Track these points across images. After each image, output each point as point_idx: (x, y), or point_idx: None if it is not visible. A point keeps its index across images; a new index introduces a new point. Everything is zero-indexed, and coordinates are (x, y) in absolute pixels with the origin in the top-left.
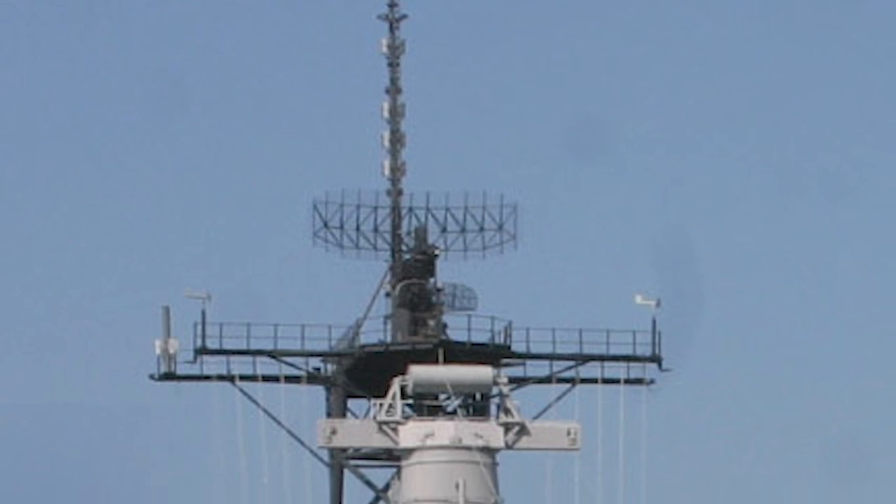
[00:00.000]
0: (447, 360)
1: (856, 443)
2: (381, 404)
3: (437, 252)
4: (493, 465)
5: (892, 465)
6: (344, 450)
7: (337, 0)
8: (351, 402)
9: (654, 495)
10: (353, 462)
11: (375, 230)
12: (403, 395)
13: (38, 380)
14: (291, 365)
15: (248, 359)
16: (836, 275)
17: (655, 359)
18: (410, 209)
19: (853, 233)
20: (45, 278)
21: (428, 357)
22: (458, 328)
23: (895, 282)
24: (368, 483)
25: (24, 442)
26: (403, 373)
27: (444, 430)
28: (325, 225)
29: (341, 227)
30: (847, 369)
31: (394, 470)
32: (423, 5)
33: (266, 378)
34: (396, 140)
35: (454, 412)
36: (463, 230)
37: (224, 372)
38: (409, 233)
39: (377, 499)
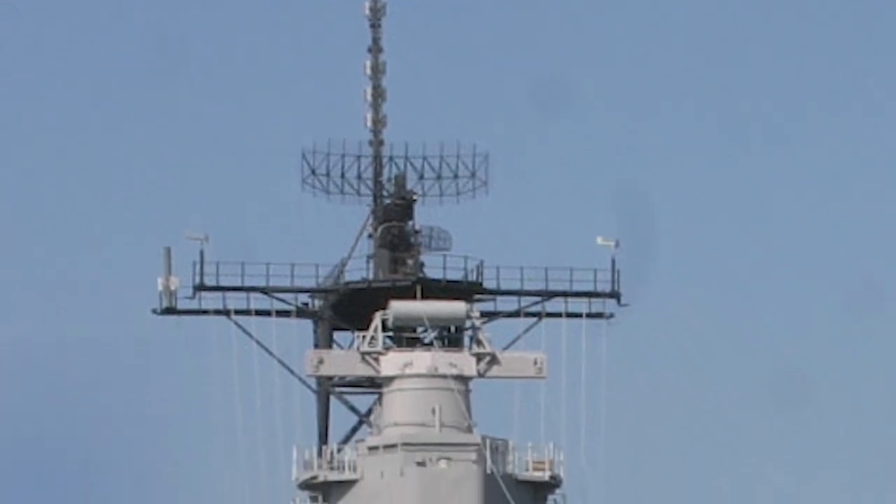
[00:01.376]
0: (424, 296)
1: (798, 372)
2: (363, 336)
3: (414, 197)
4: (467, 392)
5: (831, 392)
6: (330, 378)
7: None
8: (336, 335)
9: (614, 420)
10: (338, 389)
11: (359, 177)
12: (384, 328)
13: (50, 314)
14: (282, 300)
15: (243, 295)
16: (778, 215)
17: (614, 295)
18: (391, 158)
19: (792, 177)
20: (59, 223)
21: (407, 293)
22: (434, 267)
23: (831, 221)
24: (352, 408)
25: (36, 371)
26: (384, 307)
27: (421, 359)
28: (313, 172)
29: (327, 175)
30: (790, 304)
31: (376, 396)
32: None
33: (259, 312)
34: (378, 95)
35: (431, 343)
36: (439, 177)
37: (220, 307)
38: (389, 180)
39: (360, 423)
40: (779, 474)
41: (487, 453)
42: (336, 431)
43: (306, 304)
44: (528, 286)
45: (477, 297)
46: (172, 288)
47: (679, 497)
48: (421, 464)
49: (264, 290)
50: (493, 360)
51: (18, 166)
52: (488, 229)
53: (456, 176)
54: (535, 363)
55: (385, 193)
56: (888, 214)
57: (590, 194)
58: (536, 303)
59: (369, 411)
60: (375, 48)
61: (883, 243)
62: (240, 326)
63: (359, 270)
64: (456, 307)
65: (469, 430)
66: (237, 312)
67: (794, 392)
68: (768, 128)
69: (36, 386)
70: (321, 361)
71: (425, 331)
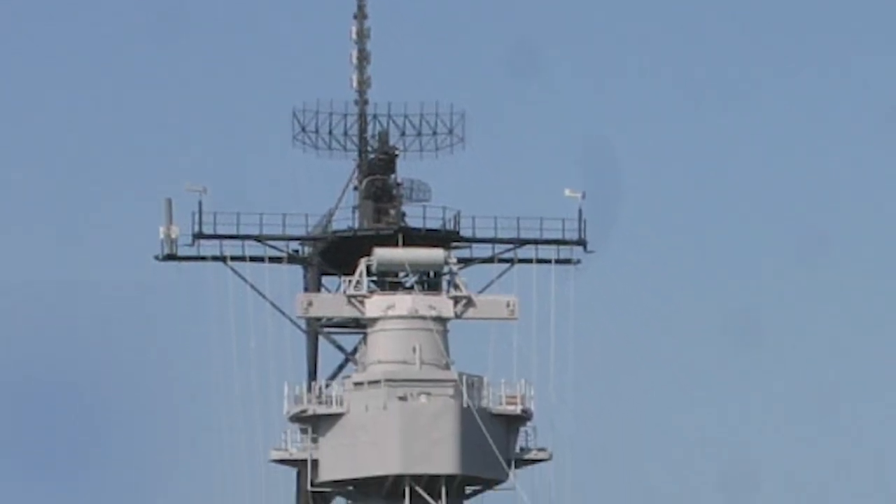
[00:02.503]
0: (405, 244)
1: (751, 314)
2: (349, 281)
3: (396, 152)
4: (445, 332)
5: (781, 332)
6: (318, 319)
7: None
8: (324, 279)
9: (581, 358)
10: (326, 329)
11: (345, 134)
12: (369, 273)
13: (61, 260)
14: (274, 247)
15: (238, 242)
16: (732, 168)
17: (581, 242)
18: (374, 116)
19: (745, 133)
20: (69, 176)
21: (389, 241)
22: (414, 216)
23: (782, 173)
24: (339, 347)
25: (47, 312)
26: (369, 254)
27: (403, 302)
28: (303, 130)
29: (316, 132)
30: (744, 250)
31: (361, 336)
32: None
33: (253, 259)
34: (363, 58)
35: (411, 287)
36: (419, 134)
37: (217, 254)
38: (373, 136)
39: (346, 361)
40: (734, 408)
41: (464, 389)
42: (324, 369)
43: (297, 251)
44: (501, 234)
45: (454, 244)
46: (173, 236)
47: (640, 427)
48: (402, 398)
49: (258, 238)
50: (469, 302)
51: (32, 122)
52: (465, 182)
53: (435, 133)
54: (508, 306)
55: (369, 149)
56: (833, 168)
57: (558, 150)
58: (509, 250)
59: (355, 350)
60: (360, 15)
61: (829, 194)
62: (235, 272)
63: (345, 220)
64: (435, 254)
65: (447, 367)
66: (233, 259)
67: (747, 332)
68: (722, 88)
69: (46, 326)
70: (310, 304)
71: (406, 275)
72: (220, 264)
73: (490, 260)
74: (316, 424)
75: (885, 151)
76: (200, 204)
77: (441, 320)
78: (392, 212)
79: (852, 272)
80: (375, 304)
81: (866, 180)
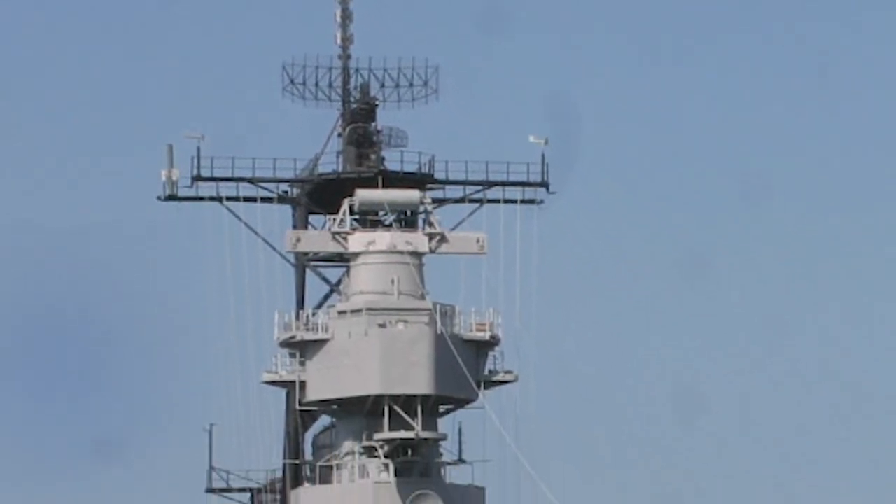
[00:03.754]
0: (385, 186)
1: (700, 250)
2: (334, 219)
3: (376, 102)
4: (420, 266)
5: (727, 267)
6: (306, 254)
7: None
8: (311, 218)
9: (544, 289)
10: (312, 263)
11: (330, 86)
12: (352, 212)
13: (74, 200)
14: (266, 189)
15: (233, 184)
16: (684, 117)
17: (544, 184)
18: (357, 70)
19: (698, 85)
20: (80, 125)
21: (370, 183)
22: (393, 161)
23: (730, 121)
24: (325, 279)
25: (60, 249)
26: (351, 195)
27: (382, 238)
28: (292, 82)
29: (304, 84)
30: (694, 192)
31: (344, 269)
32: None
33: (246, 199)
34: (346, 17)
35: (390, 225)
36: (397, 86)
37: (214, 194)
38: (355, 88)
39: (331, 292)
40: (684, 336)
41: (438, 317)
42: (311, 299)
43: (286, 192)
44: (471, 177)
45: (428, 186)
46: (174, 178)
47: (597, 352)
48: (382, 325)
49: (251, 180)
50: (443, 238)
51: (48, 77)
52: (438, 129)
53: (411, 84)
54: (478, 241)
55: (352, 99)
56: (773, 117)
57: (523, 100)
58: (478, 191)
59: (339, 282)
60: None
61: (770, 141)
62: (230, 211)
63: (330, 164)
64: (411, 194)
65: (422, 297)
66: (228, 199)
67: (695, 266)
68: (676, 43)
69: (60, 260)
70: (298, 240)
71: (385, 214)
72: (216, 204)
73: (461, 200)
74: (303, 349)
75: (819, 102)
76: (199, 149)
77: (417, 255)
78: (372, 156)
79: (791, 212)
80: (357, 240)
81: (803, 128)
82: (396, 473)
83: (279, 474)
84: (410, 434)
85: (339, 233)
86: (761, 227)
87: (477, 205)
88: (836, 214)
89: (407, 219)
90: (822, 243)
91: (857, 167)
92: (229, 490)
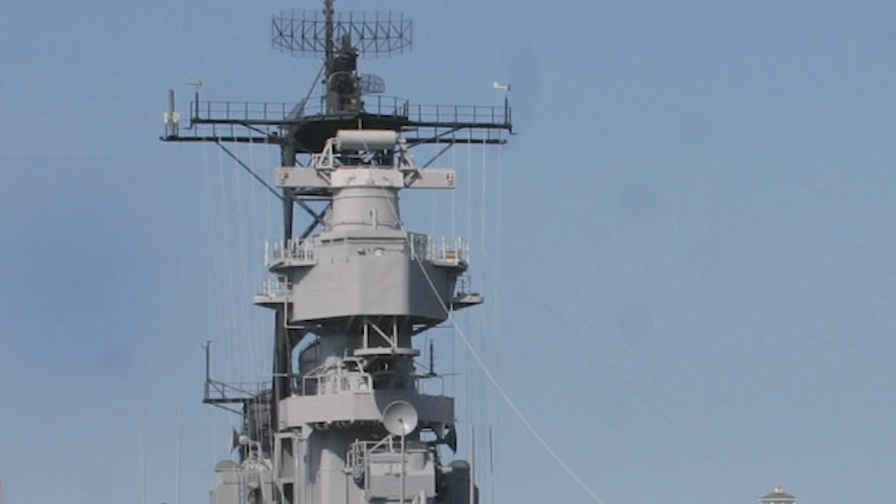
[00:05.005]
0: (364, 127)
1: (645, 183)
2: (319, 157)
3: (357, 53)
4: (396, 200)
5: (669, 198)
6: (293, 188)
7: None
8: (298, 156)
9: (507, 220)
10: (299, 197)
11: (315, 38)
12: (334, 151)
13: (84, 139)
14: (257, 130)
15: (228, 126)
16: (630, 63)
17: (507, 126)
18: (339, 23)
19: (644, 34)
20: (90, 71)
21: (351, 125)
22: (371, 105)
23: (671, 63)
24: (310, 211)
25: (70, 183)
26: (334, 135)
27: (362, 174)
28: (281, 34)
29: (291, 36)
30: (638, 129)
31: (328, 202)
32: None
33: (240, 139)
34: None
35: (369, 163)
36: (375, 37)
37: (211, 135)
38: (338, 39)
39: (316, 222)
40: (631, 259)
41: (412, 245)
42: (298, 229)
43: (275, 133)
44: (441, 120)
45: (403, 128)
46: (175, 121)
47: (555, 275)
48: (361, 253)
49: (244, 123)
50: (416, 175)
51: (65, 30)
52: (412, 77)
53: (388, 36)
54: (448, 177)
55: (334, 50)
56: (713, 62)
57: (488, 50)
58: (448, 132)
59: (323, 213)
60: None
61: (708, 85)
62: (225, 150)
63: (315, 108)
64: (388, 135)
65: (398, 227)
66: (223, 139)
67: (641, 198)
68: None
69: (71, 193)
70: (286, 176)
71: (365, 153)
72: (213, 144)
73: (433, 140)
74: (291, 274)
75: (749, 49)
76: (197, 95)
77: (393, 189)
78: (353, 101)
79: (725, 148)
80: (339, 176)
81: (736, 73)
82: (374, 386)
83: (269, 386)
84: (387, 350)
85: (322, 169)
86: (698, 162)
87: (447, 144)
88: (765, 150)
89: (384, 157)
90: (752, 176)
91: (785, 107)
92: (224, 401)
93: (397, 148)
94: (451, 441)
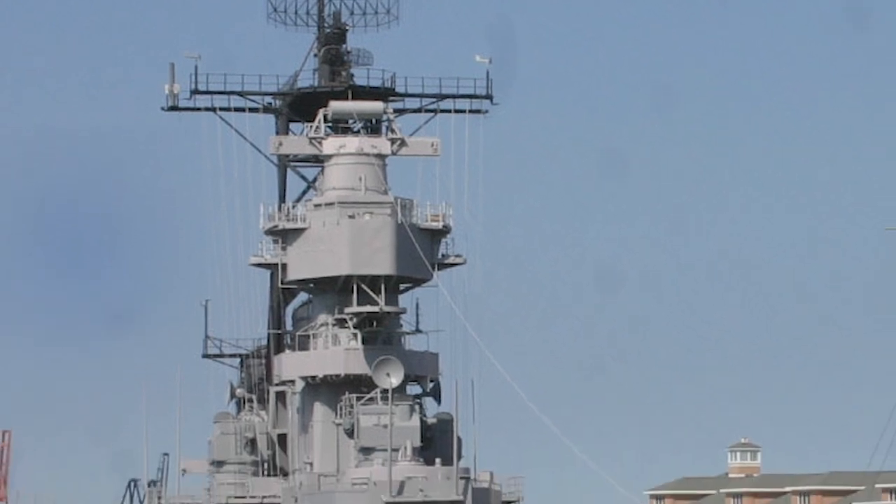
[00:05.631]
0: (354, 98)
1: (618, 150)
2: (311, 126)
3: (347, 27)
4: (384, 166)
5: (643, 162)
6: (287, 156)
7: None
8: (292, 125)
9: (489, 185)
10: (293, 164)
11: (307, 13)
12: (326, 120)
13: (90, 109)
14: (253, 101)
15: (225, 97)
16: (603, 39)
17: (488, 97)
18: (330, 0)
19: (617, 12)
20: (98, 47)
21: (341, 96)
22: (360, 77)
23: (644, 37)
24: (303, 177)
25: (78, 150)
26: (325, 105)
27: (351, 142)
28: (275, 10)
29: (285, 12)
30: (613, 98)
31: (319, 168)
32: None
33: (236, 109)
34: None
35: (358, 131)
36: (364, 13)
37: (209, 105)
38: (329, 15)
39: (308, 188)
40: (605, 222)
41: (398, 209)
42: (291, 194)
43: (270, 104)
44: (427, 91)
45: (391, 98)
46: (175, 92)
47: (533, 238)
48: (351, 216)
49: (241, 94)
50: (403, 143)
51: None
52: (399, 50)
53: (376, 12)
54: (432, 145)
55: (326, 25)
56: (681, 36)
57: (471, 25)
58: (433, 102)
59: (315, 179)
60: None
61: (678, 58)
62: (223, 119)
63: (307, 79)
64: (376, 105)
65: (385, 192)
66: (221, 109)
67: (616, 163)
68: None
69: (80, 158)
70: (280, 144)
71: (354, 122)
72: (211, 114)
73: (418, 110)
74: (285, 236)
75: (718, 25)
76: (196, 67)
77: (381, 157)
78: (343, 73)
79: (693, 118)
80: (330, 144)
81: (704, 47)
82: (363, 342)
83: (264, 342)
84: (375, 308)
85: (314, 138)
86: (669, 132)
87: (431, 114)
88: (732, 121)
89: (372, 126)
90: (720, 145)
91: (752, 80)
92: (222, 356)
93: (385, 117)
94: (436, 394)
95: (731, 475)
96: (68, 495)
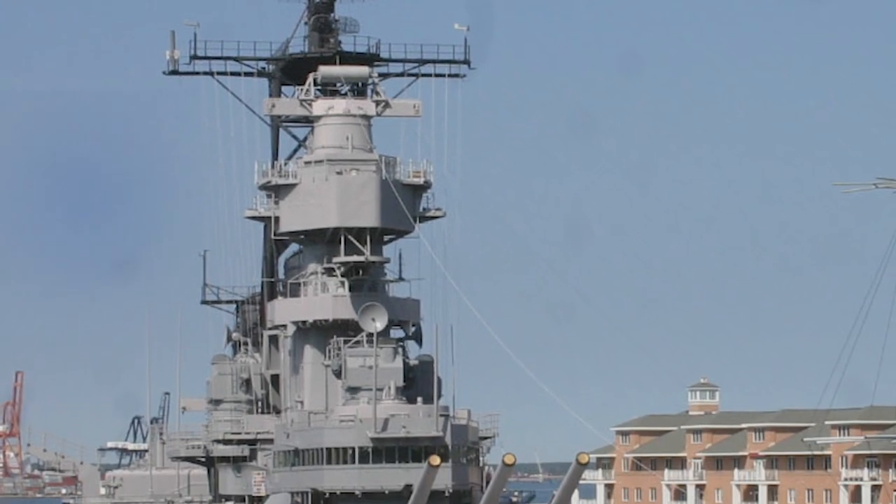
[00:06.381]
0: (341, 63)
1: (589, 113)
2: (302, 89)
3: None
4: (369, 126)
5: (610, 122)
6: (279, 116)
7: None
8: (284, 88)
9: (466, 143)
10: (285, 124)
11: None
12: (315, 84)
13: (97, 73)
14: (248, 65)
15: (222, 62)
16: (573, 8)
17: (466, 62)
18: None
19: None
20: (103, 16)
21: (330, 61)
22: (348, 43)
23: (614, 7)
24: (294, 137)
25: (85, 111)
26: (315, 70)
27: (339, 104)
28: None
29: None
30: (582, 64)
31: (309, 128)
32: None
33: (233, 73)
34: None
35: (346, 94)
36: None
37: (207, 70)
38: None
39: (299, 146)
40: (575, 177)
41: (383, 166)
42: (283, 152)
43: (264, 68)
44: (409, 56)
45: (376, 63)
46: (176, 57)
47: (508, 192)
48: (339, 173)
49: (236, 59)
50: (387, 105)
51: None
52: (383, 18)
53: None
54: (414, 107)
55: None
56: (651, 3)
57: None
58: (414, 67)
59: (305, 139)
60: None
61: (645, 25)
62: (220, 83)
63: (298, 46)
64: (362, 70)
65: (371, 151)
66: (218, 73)
67: (584, 124)
68: None
69: (85, 120)
70: (273, 106)
71: (342, 85)
72: (209, 77)
73: (401, 74)
74: (277, 191)
75: None
76: (195, 35)
77: (366, 117)
78: (331, 40)
79: (660, 78)
80: (320, 106)
81: (669, 13)
82: (350, 289)
83: (258, 290)
84: (361, 258)
85: (305, 100)
86: (634, 93)
87: (413, 78)
88: (693, 82)
89: (358, 89)
90: (681, 104)
91: (710, 44)
92: (219, 302)
93: (370, 81)
94: (417, 337)
95: (691, 413)
96: (76, 431)
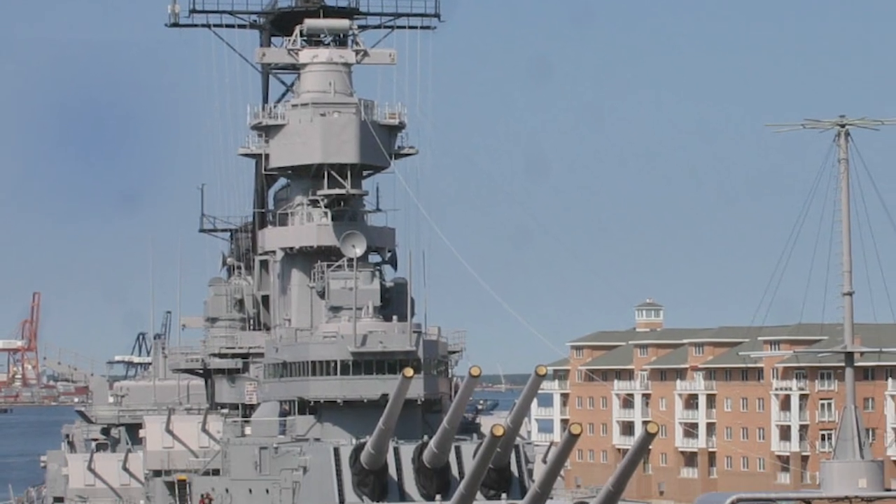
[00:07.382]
0: (325, 16)
1: (549, 62)
2: (290, 40)
3: None
4: (350, 73)
5: (571, 72)
6: (269, 64)
7: None
8: (274, 39)
9: (437, 87)
10: (274, 71)
11: None
12: (301, 35)
13: (105, 24)
14: (241, 18)
15: (218, 15)
16: None
17: (436, 15)
18: None
19: None
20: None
21: (315, 14)
22: None
23: None
24: (283, 82)
25: (95, 58)
26: (301, 22)
27: (323, 53)
28: None
29: None
30: (538, 15)
31: (296, 75)
32: None
33: (228, 25)
34: None
35: (329, 44)
36: None
37: (205, 22)
38: None
39: (287, 91)
40: (534, 118)
41: (362, 108)
42: (273, 96)
43: (255, 21)
44: (385, 10)
45: (355, 16)
46: (176, 11)
47: (475, 129)
48: (323, 115)
49: (231, 13)
50: (365, 53)
51: None
52: None
53: None
54: (390, 56)
55: None
56: None
57: None
58: (390, 20)
59: (292, 84)
60: None
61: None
62: (216, 34)
63: (286, 0)
64: (343, 22)
65: (351, 95)
66: (215, 26)
67: (542, 70)
68: None
69: (93, 67)
70: (264, 55)
71: (325, 36)
72: (206, 29)
73: (378, 26)
74: (267, 131)
75: None
76: None
77: (347, 65)
78: None
79: (609, 29)
80: (305, 55)
81: None
82: (332, 219)
83: (250, 219)
84: (343, 191)
85: (292, 49)
86: (586, 42)
87: (389, 30)
88: (639, 31)
89: (340, 39)
90: (628, 51)
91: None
92: (215, 230)
93: (350, 33)
94: (393, 262)
95: (638, 329)
96: (88, 346)
